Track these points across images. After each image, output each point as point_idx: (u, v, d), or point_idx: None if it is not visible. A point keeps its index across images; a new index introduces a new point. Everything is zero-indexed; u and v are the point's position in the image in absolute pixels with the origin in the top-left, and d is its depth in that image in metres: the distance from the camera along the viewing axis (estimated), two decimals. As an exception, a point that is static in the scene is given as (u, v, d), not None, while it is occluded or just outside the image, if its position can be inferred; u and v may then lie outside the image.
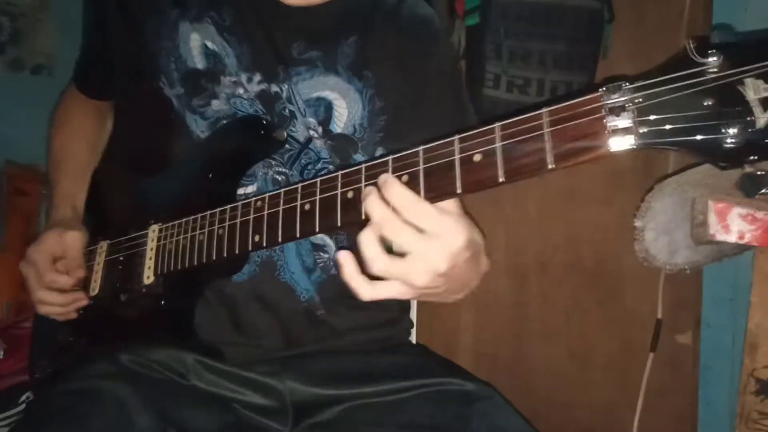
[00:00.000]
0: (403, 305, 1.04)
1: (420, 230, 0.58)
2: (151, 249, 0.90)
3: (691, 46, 0.47)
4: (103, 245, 0.99)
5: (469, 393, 0.82)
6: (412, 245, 0.58)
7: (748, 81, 0.45)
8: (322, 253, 0.92)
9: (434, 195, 0.59)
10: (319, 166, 0.91)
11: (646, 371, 1.54)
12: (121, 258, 0.95)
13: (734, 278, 1.43)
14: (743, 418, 1.00)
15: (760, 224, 0.91)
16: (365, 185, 0.63)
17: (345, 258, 0.61)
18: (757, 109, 0.44)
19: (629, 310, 1.61)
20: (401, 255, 0.59)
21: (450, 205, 0.60)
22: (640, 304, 1.57)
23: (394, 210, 0.58)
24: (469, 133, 0.57)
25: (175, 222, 0.87)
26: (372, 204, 0.59)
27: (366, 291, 0.60)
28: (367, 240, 0.59)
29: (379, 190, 0.59)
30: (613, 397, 1.63)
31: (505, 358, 1.81)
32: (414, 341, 1.10)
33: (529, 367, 1.78)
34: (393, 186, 0.58)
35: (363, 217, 0.63)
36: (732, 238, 0.94)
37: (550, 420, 1.72)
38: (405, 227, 0.57)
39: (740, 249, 1.09)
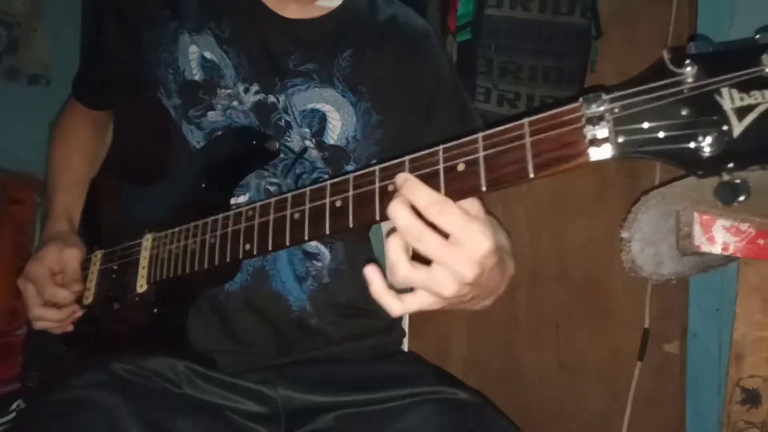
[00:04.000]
0: (395, 314, 1.05)
1: (445, 235, 0.56)
2: (145, 258, 0.90)
3: (667, 56, 0.47)
4: (98, 254, 0.99)
5: (460, 402, 0.82)
6: (437, 253, 0.56)
7: (724, 91, 0.45)
8: (315, 262, 0.93)
9: None
10: (315, 175, 0.92)
11: (634, 380, 1.55)
12: (115, 267, 0.95)
13: (721, 288, 1.45)
14: (730, 427, 1.01)
15: (744, 236, 0.93)
16: (345, 192, 0.63)
17: (373, 273, 0.58)
18: (733, 119, 0.45)
19: (617, 319, 1.62)
20: (427, 263, 0.57)
21: (474, 207, 0.58)
22: (628, 314, 1.59)
23: (418, 211, 0.56)
24: (453, 143, 0.58)
25: (169, 231, 0.88)
26: (397, 209, 0.56)
27: (396, 307, 0.59)
28: (394, 246, 0.57)
29: (401, 192, 0.58)
30: (602, 406, 1.64)
31: (496, 367, 1.82)
32: (406, 349, 1.10)
33: (519, 376, 1.78)
34: (416, 185, 0.57)
35: (351, 225, 0.64)
36: (717, 249, 0.95)
37: (540, 429, 1.73)
38: (429, 233, 0.55)
39: (725, 260, 1.11)
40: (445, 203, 0.56)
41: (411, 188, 0.57)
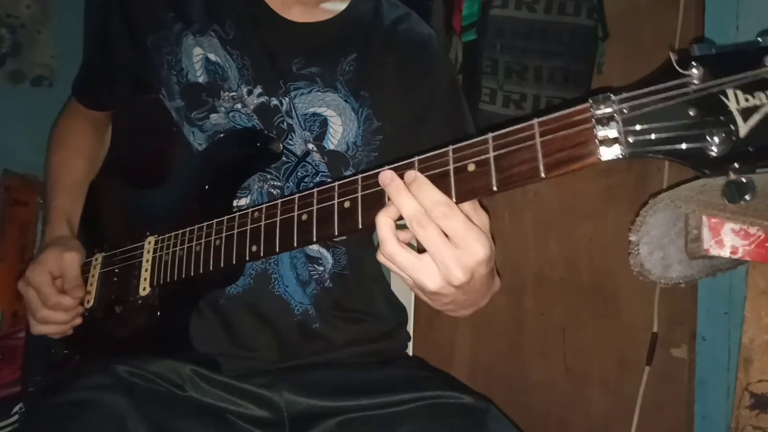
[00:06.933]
0: (401, 318, 1.04)
1: (445, 234, 0.57)
2: (147, 261, 0.90)
3: (674, 58, 0.48)
4: (98, 257, 0.99)
5: (466, 406, 0.82)
6: (436, 245, 0.57)
7: (730, 92, 0.47)
8: (317, 266, 0.93)
9: None
10: (318, 179, 0.92)
11: (642, 385, 1.54)
12: (117, 270, 0.95)
13: (729, 292, 1.44)
14: (738, 432, 1.00)
15: (753, 239, 0.92)
16: (362, 193, 0.64)
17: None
18: (739, 119, 0.46)
19: (625, 324, 1.61)
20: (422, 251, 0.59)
21: (477, 216, 0.60)
22: (636, 318, 1.58)
23: (424, 208, 0.58)
24: (462, 144, 0.58)
25: (171, 233, 0.87)
26: (403, 198, 0.58)
27: (384, 248, 0.59)
28: (384, 222, 0.59)
29: (407, 186, 0.59)
30: (609, 411, 1.63)
31: (501, 372, 1.81)
32: (410, 354, 1.10)
33: (525, 381, 1.78)
34: (425, 184, 0.58)
35: (360, 226, 0.64)
36: (725, 252, 0.94)
37: (546, 434, 1.72)
38: (433, 225, 0.57)
39: (734, 264, 1.10)
40: (450, 206, 0.57)
41: (420, 186, 0.59)
